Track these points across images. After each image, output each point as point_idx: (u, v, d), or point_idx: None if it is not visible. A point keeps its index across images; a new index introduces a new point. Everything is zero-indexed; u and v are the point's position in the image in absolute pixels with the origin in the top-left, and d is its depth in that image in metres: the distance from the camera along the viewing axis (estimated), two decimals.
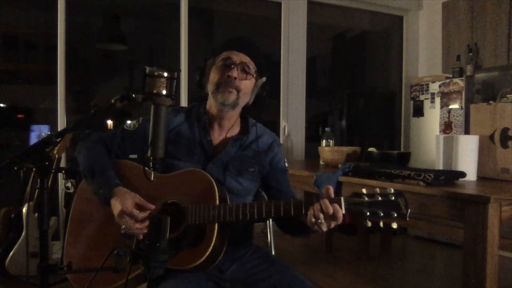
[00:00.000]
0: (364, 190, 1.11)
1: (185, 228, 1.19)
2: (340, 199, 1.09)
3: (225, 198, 1.25)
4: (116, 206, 1.19)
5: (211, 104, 1.37)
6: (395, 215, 1.07)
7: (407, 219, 1.07)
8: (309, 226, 1.12)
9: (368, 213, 1.08)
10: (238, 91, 1.32)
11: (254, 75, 1.35)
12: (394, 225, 1.08)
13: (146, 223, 1.18)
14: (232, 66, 1.31)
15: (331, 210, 1.06)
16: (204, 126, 1.37)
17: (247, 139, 1.40)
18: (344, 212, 1.08)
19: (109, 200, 1.22)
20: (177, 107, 1.47)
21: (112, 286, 1.21)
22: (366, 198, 1.09)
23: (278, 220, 1.39)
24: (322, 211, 1.07)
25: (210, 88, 1.35)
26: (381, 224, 1.08)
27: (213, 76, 1.34)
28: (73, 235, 1.35)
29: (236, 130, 1.42)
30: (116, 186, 1.25)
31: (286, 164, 1.48)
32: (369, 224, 1.09)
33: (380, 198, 1.08)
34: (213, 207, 1.18)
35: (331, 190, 1.11)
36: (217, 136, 1.40)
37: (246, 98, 1.36)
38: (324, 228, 1.09)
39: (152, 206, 1.21)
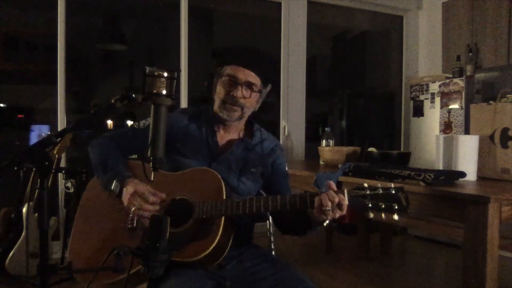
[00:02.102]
0: (365, 184, 1.15)
1: (193, 223, 1.21)
2: (344, 191, 1.14)
3: (231, 197, 1.27)
4: (129, 189, 1.24)
5: (217, 110, 1.41)
6: (396, 207, 1.10)
7: (408, 211, 1.11)
8: (312, 218, 1.18)
9: (370, 205, 1.12)
10: (242, 108, 1.37)
11: (259, 90, 1.39)
12: (396, 217, 1.11)
13: (157, 207, 1.22)
14: (237, 86, 1.35)
15: (337, 199, 1.11)
16: (212, 128, 1.43)
17: (251, 142, 1.46)
18: (347, 202, 1.12)
19: (122, 190, 1.26)
20: (186, 109, 1.54)
21: (113, 280, 1.21)
22: (368, 191, 1.13)
23: (278, 218, 1.44)
24: (329, 199, 1.11)
25: (216, 100, 1.40)
26: (383, 215, 1.12)
27: (219, 90, 1.39)
28: (79, 230, 1.36)
29: (241, 133, 1.48)
30: (129, 177, 1.29)
31: (287, 169, 1.53)
32: (371, 215, 1.12)
33: (381, 191, 1.12)
34: (221, 202, 1.21)
35: (333, 185, 1.16)
36: (222, 138, 1.45)
37: (250, 110, 1.42)
38: (329, 217, 1.14)
39: (163, 195, 1.25)
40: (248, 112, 1.41)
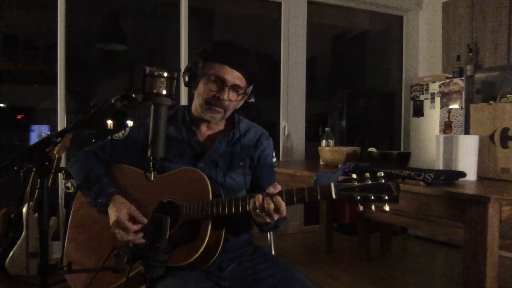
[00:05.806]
0: (354, 175, 1.10)
1: (181, 226, 1.20)
2: (330, 185, 1.09)
3: (220, 195, 1.26)
4: (111, 216, 1.21)
5: (197, 107, 1.36)
6: (386, 197, 1.06)
7: (399, 201, 1.06)
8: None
9: (358, 197, 1.07)
10: (226, 110, 1.33)
11: (244, 92, 1.35)
12: (386, 208, 1.06)
13: (139, 234, 1.19)
14: (224, 88, 1.29)
15: (272, 205, 1.09)
16: (190, 128, 1.39)
17: (234, 134, 1.40)
18: (334, 197, 1.08)
19: (106, 209, 1.24)
20: None
21: (111, 287, 1.21)
22: (356, 183, 1.08)
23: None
24: (260, 204, 1.10)
25: (198, 99, 1.35)
26: (373, 207, 1.08)
27: (203, 88, 1.32)
28: (73, 241, 1.36)
29: (221, 126, 1.43)
30: (113, 195, 1.26)
31: (274, 159, 1.47)
32: (361, 208, 1.08)
33: (370, 182, 1.08)
34: (207, 203, 1.19)
35: (272, 189, 1.12)
36: (204, 135, 1.41)
37: (232, 111, 1.38)
38: (267, 220, 1.13)
39: (145, 220, 1.22)
40: (230, 113, 1.37)
